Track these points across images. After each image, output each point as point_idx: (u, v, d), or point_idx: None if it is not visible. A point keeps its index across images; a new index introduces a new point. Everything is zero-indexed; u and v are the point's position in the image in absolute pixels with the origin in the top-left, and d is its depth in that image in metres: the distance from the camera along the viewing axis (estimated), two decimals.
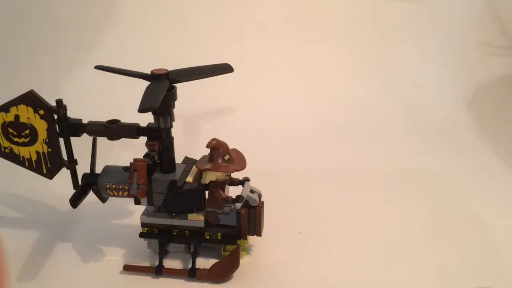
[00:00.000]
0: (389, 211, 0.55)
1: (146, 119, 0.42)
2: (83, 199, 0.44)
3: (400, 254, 0.48)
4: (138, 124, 0.42)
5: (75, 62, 0.77)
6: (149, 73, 0.40)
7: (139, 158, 0.41)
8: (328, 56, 0.82)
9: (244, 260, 0.45)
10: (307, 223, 0.52)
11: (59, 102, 0.41)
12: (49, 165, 0.44)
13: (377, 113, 0.77)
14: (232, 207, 0.41)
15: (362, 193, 0.58)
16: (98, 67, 0.43)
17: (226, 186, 0.43)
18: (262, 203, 0.45)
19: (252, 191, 0.43)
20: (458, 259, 0.47)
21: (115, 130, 0.41)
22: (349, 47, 0.83)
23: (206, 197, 0.43)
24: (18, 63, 0.77)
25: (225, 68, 0.44)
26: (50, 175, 0.44)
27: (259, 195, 0.44)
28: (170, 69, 0.41)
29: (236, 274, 0.44)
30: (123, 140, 0.42)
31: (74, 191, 0.44)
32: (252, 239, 0.47)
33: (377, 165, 0.65)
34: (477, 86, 0.82)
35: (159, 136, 0.41)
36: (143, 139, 0.44)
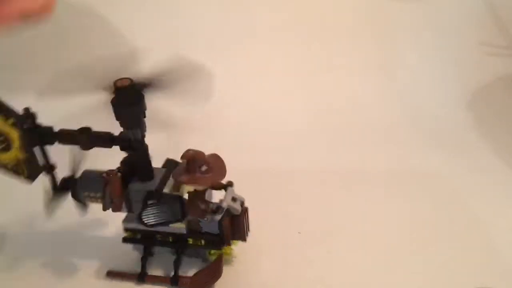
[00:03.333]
0: (389, 211, 0.55)
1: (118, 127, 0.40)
2: (56, 204, 0.43)
3: (400, 254, 0.48)
4: (110, 133, 0.40)
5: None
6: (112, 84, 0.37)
7: (112, 170, 0.39)
8: (328, 56, 0.82)
9: (244, 260, 0.45)
10: (307, 223, 0.52)
11: (27, 110, 0.39)
12: (27, 170, 0.42)
13: (377, 113, 0.77)
14: (212, 217, 0.41)
15: (362, 193, 0.58)
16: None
17: (209, 190, 0.42)
18: (246, 210, 0.43)
19: (234, 199, 0.42)
20: (458, 259, 0.47)
21: (86, 139, 0.39)
22: (349, 47, 0.83)
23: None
24: None
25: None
26: (30, 180, 0.43)
27: (242, 202, 0.42)
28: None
29: (236, 274, 0.44)
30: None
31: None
32: (252, 239, 0.47)
33: (377, 165, 0.65)
34: (477, 86, 0.82)
35: (131, 147, 0.39)
36: None
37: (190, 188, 0.39)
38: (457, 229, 0.52)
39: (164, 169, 0.43)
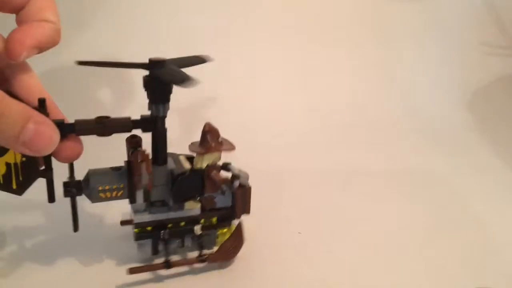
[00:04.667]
0: (389, 211, 0.55)
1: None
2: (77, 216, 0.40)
3: (400, 254, 0.48)
4: (130, 117, 0.40)
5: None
6: (147, 61, 0.37)
7: (141, 150, 0.39)
8: (328, 56, 0.82)
9: (244, 260, 0.45)
10: (307, 223, 0.52)
11: (42, 101, 0.35)
12: (20, 178, 0.37)
13: (377, 113, 0.77)
14: (232, 186, 0.43)
15: (362, 193, 0.58)
16: (80, 63, 0.36)
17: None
18: (250, 188, 0.46)
19: (239, 171, 0.44)
20: (458, 259, 0.47)
21: (108, 125, 0.38)
22: (349, 47, 0.83)
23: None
24: None
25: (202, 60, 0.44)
26: (21, 190, 0.38)
27: (247, 175, 0.45)
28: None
29: (236, 274, 0.44)
30: (94, 141, 0.39)
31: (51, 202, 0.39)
32: (252, 239, 0.47)
33: (377, 165, 0.65)
34: (477, 86, 0.82)
35: (155, 126, 0.40)
36: (118, 140, 0.41)
37: (209, 160, 0.42)
38: (457, 229, 0.52)
39: (169, 157, 0.43)
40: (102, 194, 0.40)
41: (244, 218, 0.45)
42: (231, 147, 0.43)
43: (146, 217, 0.42)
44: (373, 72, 0.82)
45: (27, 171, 0.38)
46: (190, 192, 0.42)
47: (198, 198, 0.43)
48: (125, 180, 0.40)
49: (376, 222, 0.53)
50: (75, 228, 0.41)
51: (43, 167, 0.38)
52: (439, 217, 0.54)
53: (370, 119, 0.76)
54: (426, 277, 0.44)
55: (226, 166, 0.45)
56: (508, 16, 0.85)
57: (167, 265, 0.42)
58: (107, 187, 0.39)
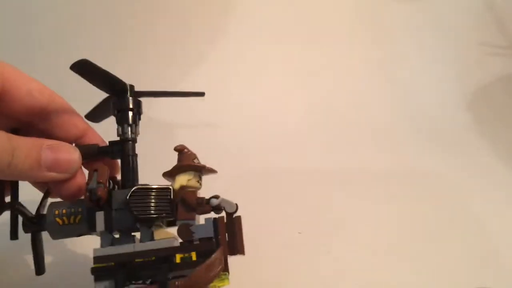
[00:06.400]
0: (389, 211, 0.55)
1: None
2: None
3: (400, 254, 0.47)
4: (96, 144, 0.38)
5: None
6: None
7: (101, 164, 0.36)
8: (328, 56, 0.82)
9: (244, 260, 0.45)
10: (307, 223, 0.52)
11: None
12: None
13: (377, 113, 0.77)
14: (211, 204, 0.36)
15: (362, 193, 0.58)
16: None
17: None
18: (239, 218, 0.38)
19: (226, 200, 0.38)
20: (458, 259, 0.47)
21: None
22: (349, 47, 0.83)
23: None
24: None
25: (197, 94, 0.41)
26: None
27: (236, 204, 0.38)
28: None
29: (236, 274, 0.44)
30: None
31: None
32: (252, 239, 0.47)
33: (377, 164, 0.65)
34: (477, 86, 0.82)
35: (123, 150, 0.37)
36: None
37: (183, 181, 0.36)
38: (457, 229, 0.52)
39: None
40: (59, 220, 0.35)
41: (244, 218, 0.45)
42: (208, 167, 0.37)
43: (108, 250, 0.35)
44: (373, 72, 0.82)
45: None
46: (151, 207, 0.35)
47: (165, 218, 0.36)
48: (83, 205, 0.36)
49: (376, 222, 0.53)
50: (38, 271, 0.37)
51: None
52: (439, 217, 0.54)
53: (370, 119, 0.76)
54: (426, 277, 0.44)
55: (211, 198, 0.37)
56: (508, 16, 0.85)
57: None
58: (64, 211, 0.35)
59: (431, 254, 0.47)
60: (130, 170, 0.37)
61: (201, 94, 0.39)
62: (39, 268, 0.37)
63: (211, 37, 0.80)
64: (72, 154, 0.35)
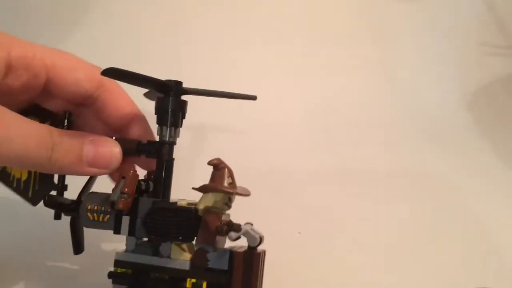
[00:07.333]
0: (389, 211, 0.55)
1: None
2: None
3: (400, 254, 0.47)
4: (139, 140, 0.37)
5: None
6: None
7: (134, 170, 0.35)
8: (328, 56, 0.82)
9: None
10: (307, 223, 0.52)
11: (67, 114, 0.36)
12: (36, 187, 0.37)
13: (377, 113, 0.77)
14: (229, 238, 0.34)
15: (362, 193, 0.58)
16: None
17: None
18: (264, 253, 0.36)
19: (253, 230, 0.35)
20: (458, 259, 0.47)
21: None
22: (348, 47, 0.83)
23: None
24: None
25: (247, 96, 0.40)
26: (35, 200, 0.37)
27: (261, 237, 0.35)
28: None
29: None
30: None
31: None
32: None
33: (377, 165, 0.65)
34: (477, 86, 0.82)
35: (159, 153, 0.36)
36: None
37: (209, 202, 0.34)
38: (457, 229, 0.52)
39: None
40: (90, 215, 0.36)
41: (244, 217, 0.45)
42: (240, 191, 0.34)
43: (128, 256, 0.36)
44: (373, 72, 0.82)
45: (43, 182, 0.37)
46: (168, 229, 0.34)
47: (182, 242, 0.35)
48: None
49: (376, 222, 0.53)
50: (75, 250, 0.38)
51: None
52: (439, 217, 0.54)
53: (370, 119, 0.76)
54: (426, 277, 0.44)
55: (235, 226, 0.35)
56: (508, 16, 0.85)
57: None
58: (95, 207, 0.35)
59: (431, 254, 0.47)
60: (162, 178, 0.36)
61: (253, 97, 0.38)
62: (76, 248, 0.38)
63: (211, 37, 0.80)
64: (113, 150, 0.34)
